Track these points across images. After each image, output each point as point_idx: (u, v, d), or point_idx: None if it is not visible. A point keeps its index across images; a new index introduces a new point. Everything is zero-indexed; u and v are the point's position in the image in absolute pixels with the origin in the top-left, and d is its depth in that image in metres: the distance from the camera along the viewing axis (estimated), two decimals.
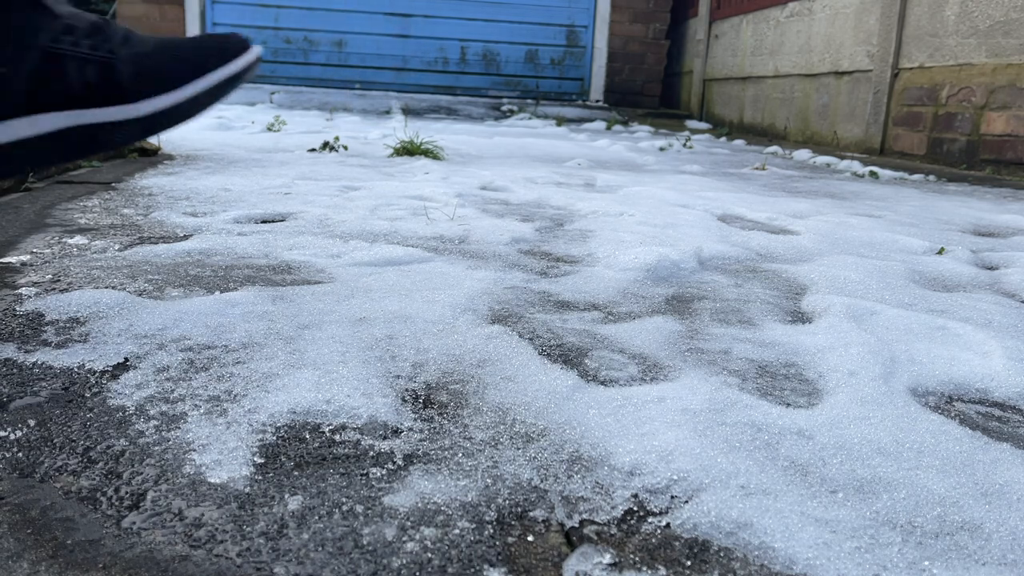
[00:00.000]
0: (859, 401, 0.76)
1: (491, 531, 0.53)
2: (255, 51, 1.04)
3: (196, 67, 0.99)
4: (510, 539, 0.52)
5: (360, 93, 6.73)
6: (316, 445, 0.63)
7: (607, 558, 0.50)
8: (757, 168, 3.43)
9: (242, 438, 0.63)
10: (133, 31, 1.01)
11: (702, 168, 3.31)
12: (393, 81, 7.13)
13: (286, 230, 1.46)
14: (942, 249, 1.59)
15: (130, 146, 2.60)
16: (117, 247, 1.28)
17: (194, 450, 0.61)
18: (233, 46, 1.02)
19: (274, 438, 0.64)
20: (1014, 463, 0.65)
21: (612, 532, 0.54)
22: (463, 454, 0.63)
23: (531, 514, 0.55)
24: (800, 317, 1.08)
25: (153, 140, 2.81)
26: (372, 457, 0.62)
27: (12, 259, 1.17)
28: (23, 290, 1.01)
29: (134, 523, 0.51)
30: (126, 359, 0.79)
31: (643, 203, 1.99)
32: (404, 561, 0.49)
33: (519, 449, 0.64)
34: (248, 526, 0.52)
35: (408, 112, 6.07)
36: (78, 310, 0.92)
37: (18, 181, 1.81)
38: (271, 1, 6.81)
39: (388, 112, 6.03)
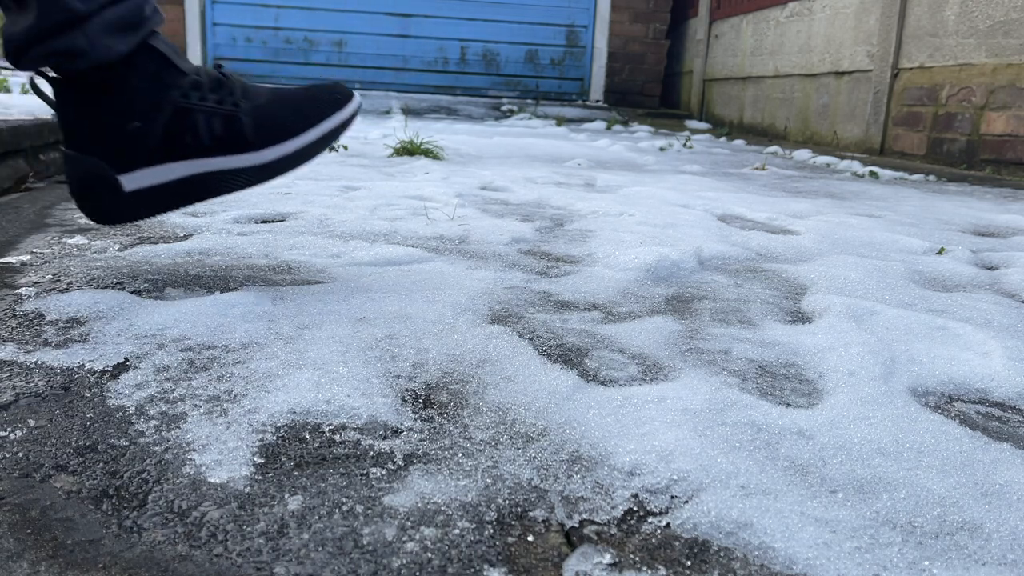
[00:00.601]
0: (859, 401, 0.76)
1: (491, 531, 0.53)
2: (358, 99, 1.13)
3: (311, 117, 1.07)
4: (510, 539, 0.52)
5: (360, 93, 6.71)
6: (316, 445, 0.63)
7: (607, 558, 0.50)
8: (757, 168, 3.43)
9: (242, 438, 0.63)
10: (248, 83, 1.10)
11: (702, 168, 3.31)
12: (393, 81, 7.13)
13: (286, 230, 1.46)
14: (942, 249, 1.59)
15: None
16: (117, 247, 1.28)
17: (194, 450, 0.61)
18: (341, 96, 1.10)
19: (274, 438, 0.64)
20: (1014, 463, 0.65)
21: (612, 532, 0.54)
22: (463, 454, 0.63)
23: (531, 514, 0.55)
24: (800, 317, 1.08)
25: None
26: (372, 457, 0.62)
27: (12, 259, 1.17)
28: (23, 290, 1.01)
29: (134, 523, 0.51)
30: (126, 359, 0.79)
31: (643, 203, 1.99)
32: (404, 561, 0.49)
33: (519, 449, 0.64)
34: (248, 526, 0.52)
35: (408, 112, 6.07)
36: (78, 310, 0.92)
37: (18, 181, 1.81)
38: (271, 1, 6.81)
39: (388, 112, 6.03)
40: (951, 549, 0.53)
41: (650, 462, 0.61)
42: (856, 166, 3.58)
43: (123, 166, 1.03)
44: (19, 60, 1.02)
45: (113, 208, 1.05)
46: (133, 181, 1.03)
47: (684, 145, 4.55)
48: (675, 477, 0.59)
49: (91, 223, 1.46)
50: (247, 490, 0.56)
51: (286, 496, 0.56)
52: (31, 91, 1.02)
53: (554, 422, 0.69)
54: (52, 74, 1.03)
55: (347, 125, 1.11)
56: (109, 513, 0.52)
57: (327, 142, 1.09)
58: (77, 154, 1.03)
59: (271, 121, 1.06)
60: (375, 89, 7.02)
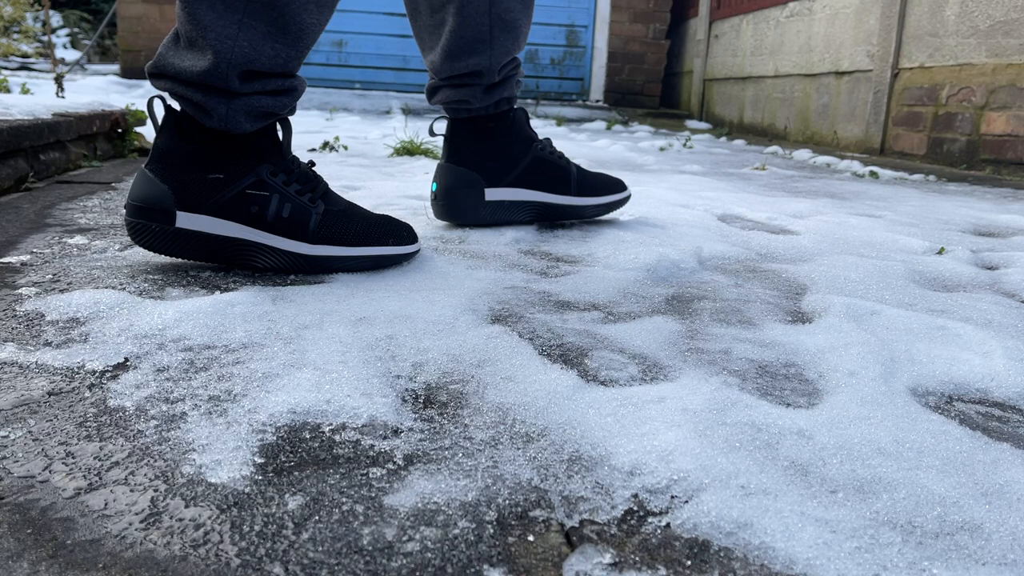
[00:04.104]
0: (859, 401, 0.76)
1: (491, 531, 0.53)
2: (418, 247, 1.23)
3: (370, 238, 1.16)
4: (510, 539, 0.52)
5: (360, 93, 6.73)
6: (316, 445, 0.63)
7: (607, 558, 0.50)
8: (757, 168, 3.43)
9: (242, 438, 0.63)
10: (331, 189, 1.20)
11: (702, 168, 3.32)
12: (393, 81, 7.13)
13: None
14: (942, 249, 1.59)
15: (131, 147, 2.60)
16: (117, 247, 1.28)
17: (194, 450, 0.61)
18: (407, 236, 1.20)
19: (274, 438, 0.64)
20: (1014, 463, 0.65)
21: (612, 532, 0.54)
22: (463, 454, 0.63)
23: (531, 514, 0.55)
24: (800, 317, 1.08)
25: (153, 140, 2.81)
26: (372, 457, 0.62)
27: (12, 259, 1.17)
28: (23, 290, 1.01)
29: (134, 523, 0.51)
30: (126, 359, 0.79)
31: (643, 203, 1.99)
32: (404, 561, 0.49)
33: (519, 449, 0.64)
34: (248, 526, 0.52)
35: (408, 112, 6.07)
36: (78, 310, 0.92)
37: (18, 181, 1.81)
38: None
39: (388, 112, 6.03)
40: (951, 549, 0.53)
41: (650, 462, 0.61)
42: (856, 166, 3.58)
43: (187, 205, 1.09)
44: (158, 80, 1.11)
45: (156, 236, 1.11)
46: (187, 221, 1.09)
47: (684, 145, 4.55)
48: (675, 477, 0.59)
49: (91, 223, 1.46)
50: (247, 490, 0.56)
51: (286, 496, 0.56)
52: (148, 107, 1.12)
53: (554, 422, 0.69)
54: (172, 102, 1.11)
55: (399, 260, 1.19)
56: (109, 513, 0.52)
57: (371, 264, 1.17)
58: (153, 177, 1.10)
59: (335, 227, 1.14)
60: (375, 89, 7.02)
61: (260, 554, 0.49)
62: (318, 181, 1.18)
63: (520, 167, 1.50)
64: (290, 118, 1.17)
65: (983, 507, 0.58)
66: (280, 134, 1.15)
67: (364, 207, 1.15)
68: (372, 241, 1.16)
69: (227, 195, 1.09)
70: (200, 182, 1.08)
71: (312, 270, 1.14)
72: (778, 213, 2.00)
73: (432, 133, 1.51)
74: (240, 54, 1.06)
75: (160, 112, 1.14)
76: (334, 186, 2.06)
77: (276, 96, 1.11)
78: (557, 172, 1.54)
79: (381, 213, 1.22)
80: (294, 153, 1.16)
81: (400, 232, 1.19)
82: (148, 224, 1.09)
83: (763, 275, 1.33)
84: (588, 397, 0.74)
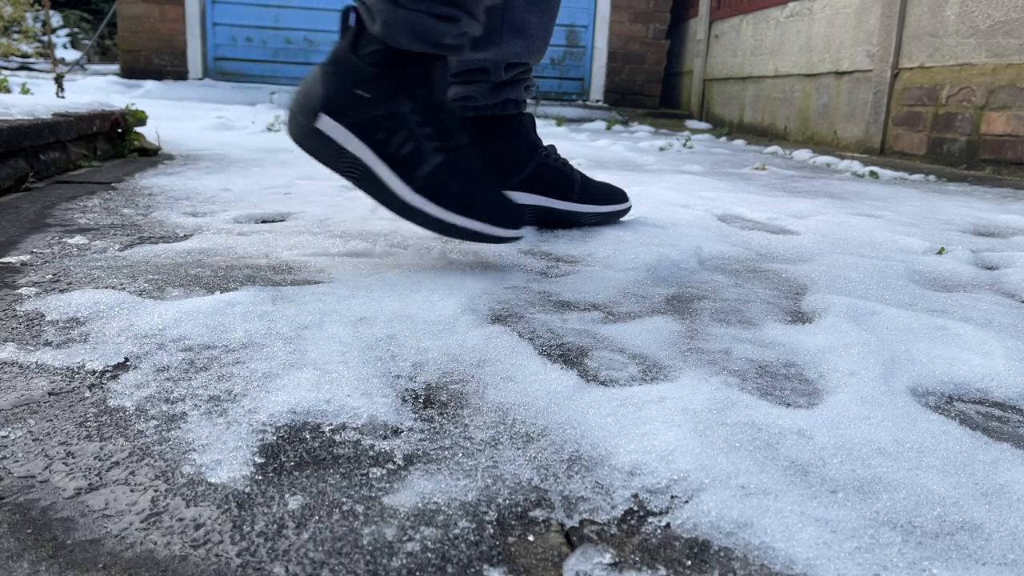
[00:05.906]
0: (859, 401, 0.76)
1: (491, 531, 0.53)
2: (516, 233, 1.21)
3: (467, 207, 1.15)
4: (510, 539, 0.52)
5: None
6: (316, 445, 0.63)
7: (607, 558, 0.50)
8: (757, 168, 3.43)
9: (242, 438, 0.63)
10: (471, 146, 1.20)
11: (702, 168, 3.32)
12: None
13: (286, 230, 1.46)
14: (942, 249, 1.59)
15: (131, 147, 2.60)
16: (117, 247, 1.28)
17: (194, 450, 0.61)
18: (507, 217, 1.18)
19: (274, 438, 0.64)
20: (1014, 463, 0.65)
21: (612, 532, 0.54)
22: (463, 454, 0.63)
23: (531, 514, 0.55)
24: (800, 317, 1.08)
25: (153, 139, 2.81)
26: (372, 457, 0.62)
27: (12, 259, 1.17)
28: (23, 290, 1.01)
29: (134, 523, 0.51)
30: (126, 359, 0.79)
31: (643, 203, 1.99)
32: (404, 561, 0.49)
33: (519, 449, 0.64)
34: (247, 526, 0.52)
35: None
36: (78, 310, 0.92)
37: (18, 181, 1.81)
38: (272, 1, 6.81)
39: None
40: (951, 549, 0.53)
41: (650, 462, 0.61)
42: (856, 166, 3.58)
43: (331, 110, 1.13)
44: None
45: (300, 129, 1.16)
46: (326, 125, 1.13)
47: (684, 145, 4.56)
48: (675, 477, 0.59)
49: (91, 223, 1.46)
50: (247, 490, 0.56)
51: (286, 496, 0.56)
52: (343, 14, 1.15)
53: (554, 422, 0.69)
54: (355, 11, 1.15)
55: (487, 240, 1.18)
56: (109, 513, 0.52)
57: (458, 234, 1.17)
58: (319, 77, 1.14)
59: (442, 181, 1.14)
60: None
61: (260, 554, 0.49)
62: (455, 134, 1.17)
63: (525, 172, 1.52)
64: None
65: (983, 507, 0.58)
66: (439, 73, 1.16)
67: (462, 220, 1.16)
68: (467, 212, 1.15)
69: (364, 115, 1.12)
70: (348, 94, 1.12)
71: (402, 215, 1.16)
72: (778, 213, 2.01)
73: None
74: None
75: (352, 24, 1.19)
76: (334, 186, 2.06)
77: (438, 20, 1.12)
78: (561, 179, 1.56)
79: (497, 188, 1.21)
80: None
81: (501, 214, 1.17)
82: (298, 117, 1.15)
83: (763, 275, 1.33)
84: (588, 397, 0.74)
